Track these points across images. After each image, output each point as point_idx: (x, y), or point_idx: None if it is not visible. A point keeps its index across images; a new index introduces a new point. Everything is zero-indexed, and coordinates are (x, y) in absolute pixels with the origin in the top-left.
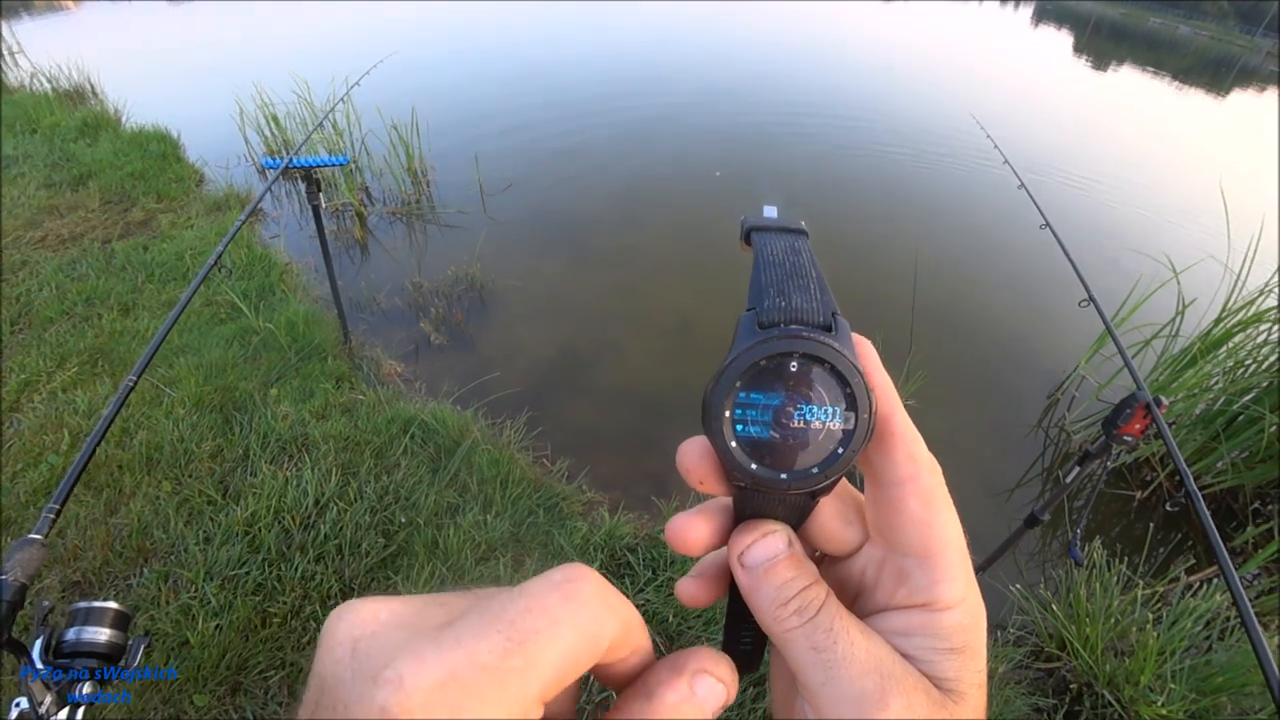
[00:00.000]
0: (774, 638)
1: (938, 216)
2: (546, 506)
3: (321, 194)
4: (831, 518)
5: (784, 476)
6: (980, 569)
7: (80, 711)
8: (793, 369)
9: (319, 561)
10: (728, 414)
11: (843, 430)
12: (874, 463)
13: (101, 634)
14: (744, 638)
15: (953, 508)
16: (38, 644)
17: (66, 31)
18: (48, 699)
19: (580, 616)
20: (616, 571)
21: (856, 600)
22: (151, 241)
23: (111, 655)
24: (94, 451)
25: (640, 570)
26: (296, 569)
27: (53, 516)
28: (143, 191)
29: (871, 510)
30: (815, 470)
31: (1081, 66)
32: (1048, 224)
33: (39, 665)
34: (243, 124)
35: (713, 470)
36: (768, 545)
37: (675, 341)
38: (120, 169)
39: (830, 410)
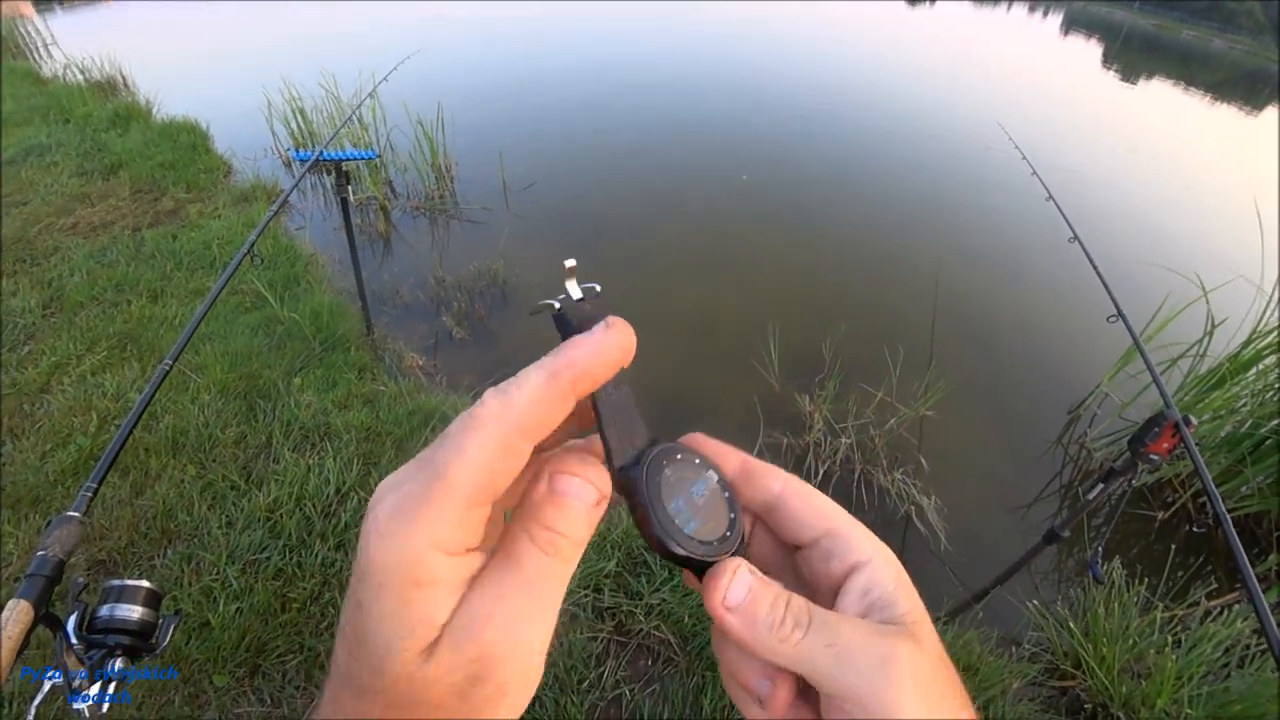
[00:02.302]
0: (785, 659)
1: (962, 226)
2: None
3: (349, 187)
4: (792, 503)
5: (729, 534)
6: (998, 583)
7: (111, 686)
8: (669, 474)
9: (339, 549)
10: (678, 528)
11: (717, 482)
12: (754, 496)
13: (134, 611)
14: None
15: (818, 491)
16: (72, 619)
17: (98, 25)
18: (81, 673)
19: (480, 438)
20: (634, 570)
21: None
22: (180, 230)
23: (143, 632)
24: (132, 430)
25: (657, 570)
26: (317, 556)
27: (90, 495)
28: (172, 181)
29: (778, 530)
30: (733, 515)
31: (1111, 78)
32: (1076, 237)
33: (73, 640)
34: (270, 117)
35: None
36: (741, 581)
37: (694, 344)
38: (151, 159)
39: (703, 478)
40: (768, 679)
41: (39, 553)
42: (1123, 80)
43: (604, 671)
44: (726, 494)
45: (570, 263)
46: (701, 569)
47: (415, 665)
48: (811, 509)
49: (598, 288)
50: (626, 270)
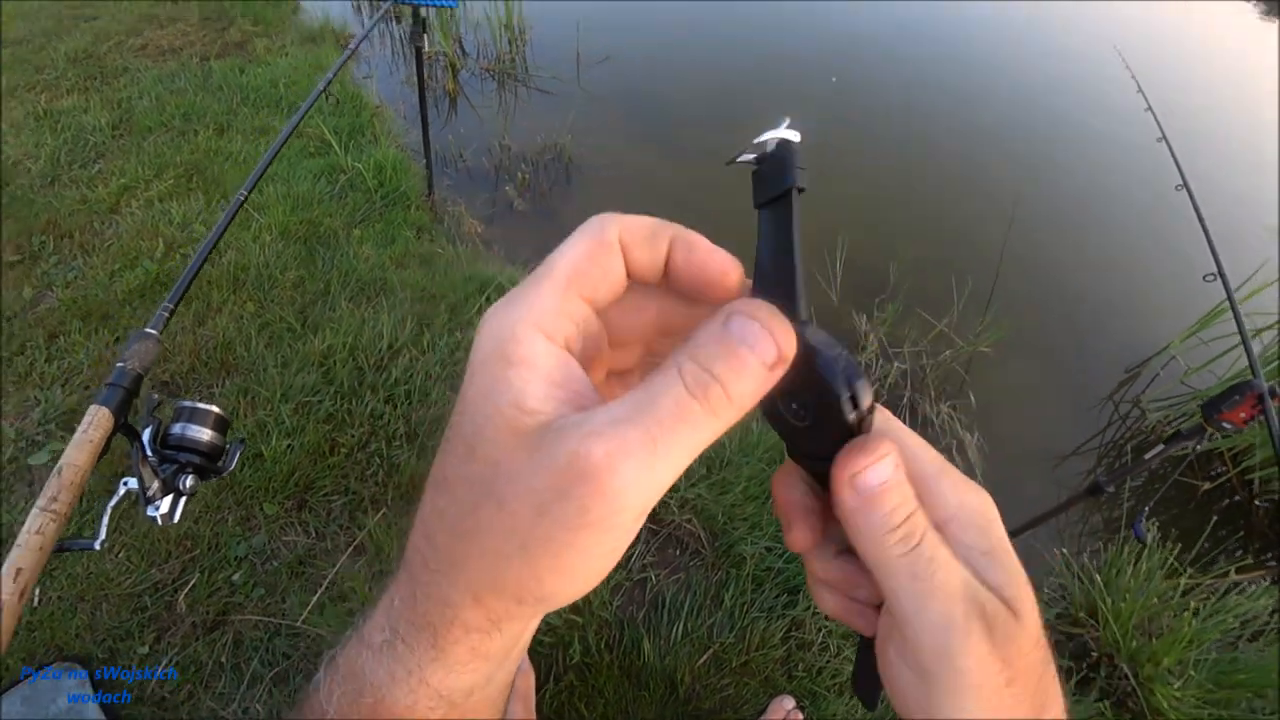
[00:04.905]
0: (873, 562)
1: (1052, 155)
2: None
3: (426, 37)
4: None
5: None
6: (1031, 525)
7: (182, 500)
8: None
9: (388, 403)
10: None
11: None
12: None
13: (204, 433)
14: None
15: (913, 433)
16: (147, 432)
17: None
18: (155, 484)
19: (581, 235)
20: None
21: None
22: (247, 65)
23: (211, 455)
24: (209, 253)
25: (696, 465)
26: (366, 406)
27: (167, 315)
28: (240, 12)
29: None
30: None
31: (1250, 13)
32: (1185, 185)
33: (149, 452)
34: None
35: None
36: (880, 469)
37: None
38: None
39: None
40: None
41: (119, 364)
42: (1264, 16)
43: (633, 555)
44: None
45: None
46: (849, 436)
47: (504, 449)
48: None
49: (797, 138)
50: (697, 163)
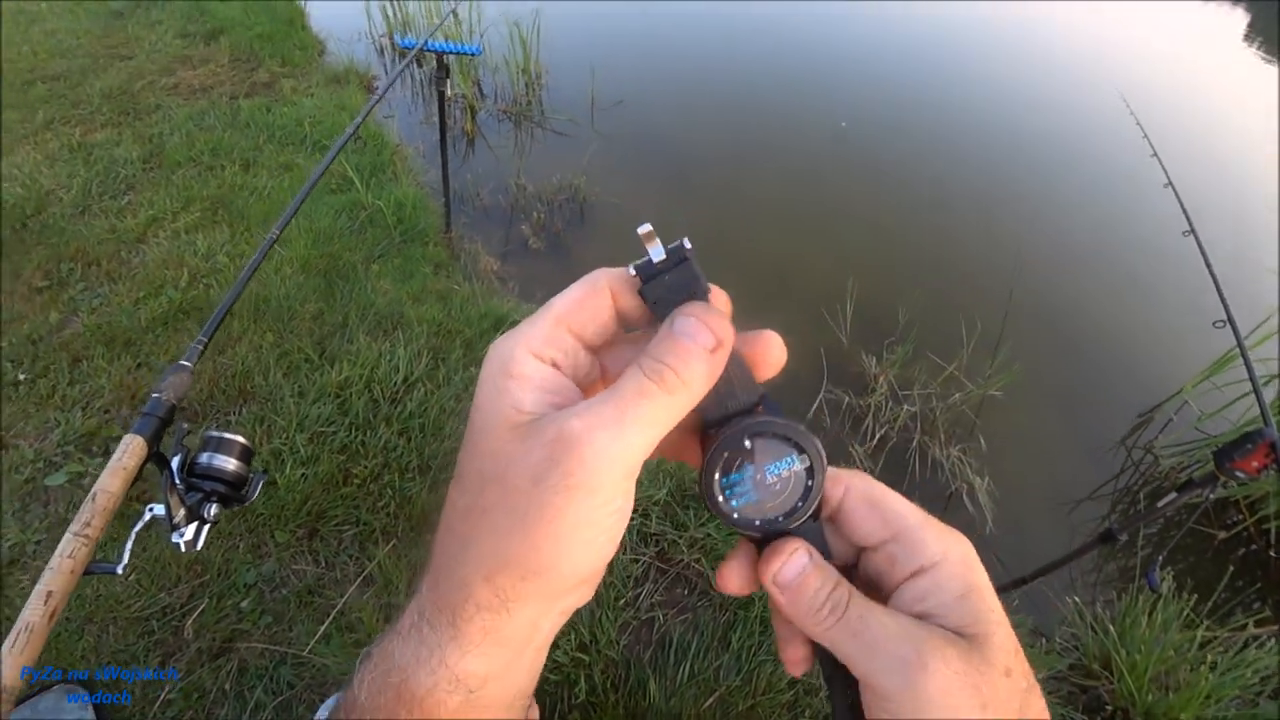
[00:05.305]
0: (819, 639)
1: (1059, 200)
2: None
3: (449, 81)
4: (855, 510)
5: (780, 519)
6: (1041, 573)
7: (206, 528)
8: (747, 446)
9: (402, 435)
10: (720, 497)
11: (803, 468)
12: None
13: (230, 463)
14: (851, 697)
15: (891, 490)
16: (175, 460)
17: None
18: (181, 511)
19: (578, 283)
20: (682, 501)
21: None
22: (274, 104)
23: (236, 484)
24: (241, 292)
25: (705, 507)
26: (380, 438)
27: (200, 348)
28: (269, 54)
29: (842, 533)
30: (800, 504)
31: (1252, 54)
32: (1193, 231)
33: (177, 480)
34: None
35: (744, 571)
36: (795, 563)
37: (766, 286)
38: (249, 29)
39: (789, 459)
40: (806, 648)
41: (154, 394)
42: (1265, 59)
43: (641, 593)
44: (809, 482)
45: (645, 228)
46: (757, 541)
47: (504, 441)
48: (875, 516)
49: (687, 243)
50: (707, 204)
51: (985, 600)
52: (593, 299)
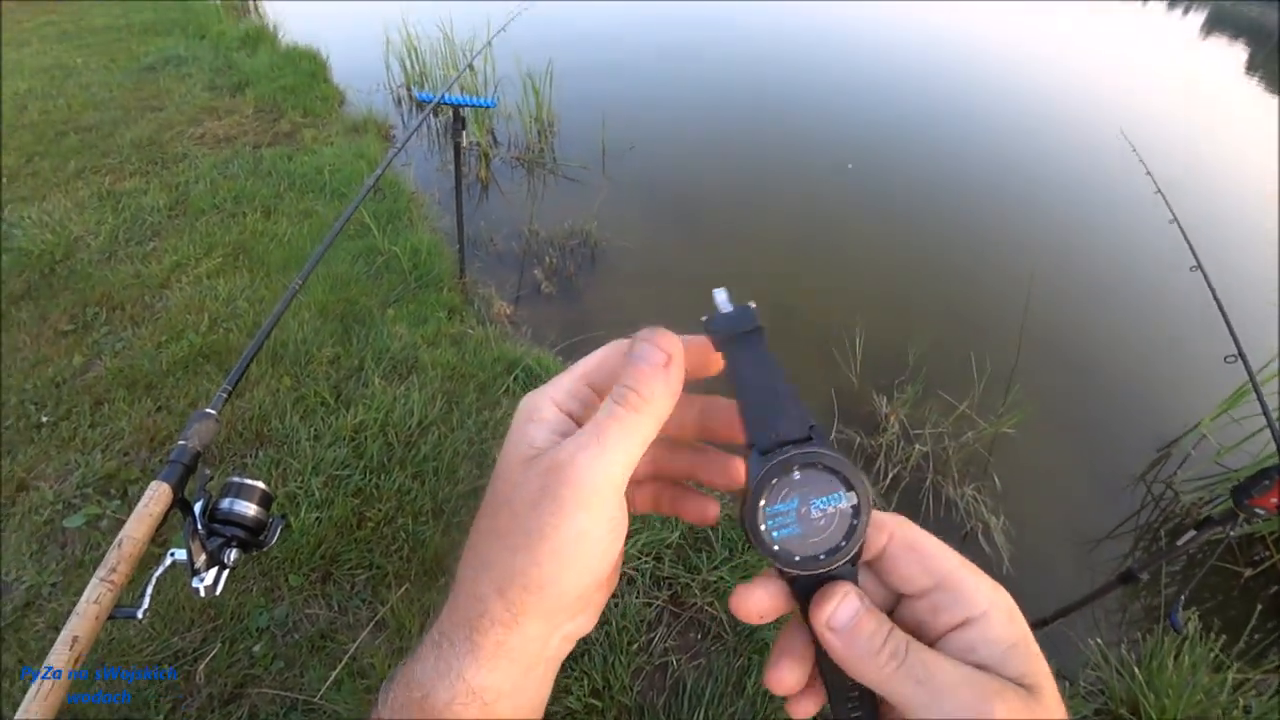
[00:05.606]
0: (876, 684)
1: (1067, 238)
2: None
3: (464, 132)
4: (898, 556)
5: (821, 557)
6: (1061, 615)
7: (225, 573)
8: (796, 477)
9: (416, 479)
10: (763, 527)
11: (850, 506)
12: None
13: (250, 509)
14: (853, 710)
15: (931, 535)
16: (198, 506)
17: None
18: (202, 557)
19: (604, 346)
20: (695, 545)
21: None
22: (295, 153)
23: (255, 529)
24: (266, 339)
25: (718, 548)
26: (395, 481)
27: (225, 395)
28: (291, 105)
29: (883, 580)
30: (843, 543)
31: (1253, 86)
32: (1199, 266)
33: (199, 526)
34: (387, 54)
35: (768, 601)
36: (848, 606)
37: (777, 325)
38: (274, 81)
39: (836, 496)
40: (796, 674)
41: (180, 442)
42: (1269, 90)
43: (654, 638)
44: (854, 521)
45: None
46: (790, 578)
47: (515, 471)
48: (919, 564)
49: (752, 305)
50: (719, 248)
51: (1033, 651)
52: (614, 359)
